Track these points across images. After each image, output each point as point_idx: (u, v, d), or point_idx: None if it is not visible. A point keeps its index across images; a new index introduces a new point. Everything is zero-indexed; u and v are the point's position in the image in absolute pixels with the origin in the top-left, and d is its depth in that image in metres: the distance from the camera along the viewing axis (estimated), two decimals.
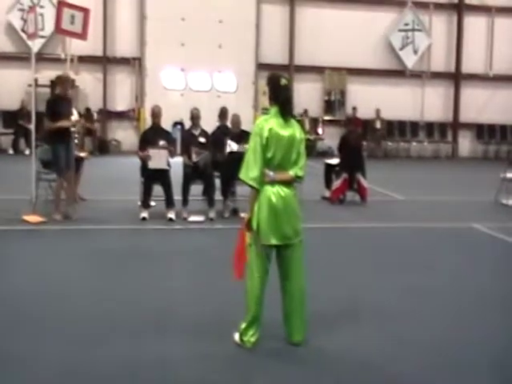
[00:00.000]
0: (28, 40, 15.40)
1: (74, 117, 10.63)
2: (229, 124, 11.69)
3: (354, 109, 24.07)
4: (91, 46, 20.60)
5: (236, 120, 11.55)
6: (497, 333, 5.80)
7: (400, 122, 25.62)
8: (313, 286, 5.71)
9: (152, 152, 10.42)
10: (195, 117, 11.12)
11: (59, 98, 10.36)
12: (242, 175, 5.21)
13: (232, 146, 10.98)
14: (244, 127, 11.50)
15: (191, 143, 10.89)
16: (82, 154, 12.32)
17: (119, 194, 13.02)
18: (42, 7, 21.32)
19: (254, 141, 5.16)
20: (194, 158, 10.71)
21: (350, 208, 12.55)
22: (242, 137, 10.56)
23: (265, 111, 19.89)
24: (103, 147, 22.72)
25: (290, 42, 24.39)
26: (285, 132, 5.16)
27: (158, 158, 10.42)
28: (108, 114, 23.50)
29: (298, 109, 21.45)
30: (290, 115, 5.31)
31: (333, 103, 25.23)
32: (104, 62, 23.18)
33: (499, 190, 13.12)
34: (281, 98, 5.25)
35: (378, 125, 24.90)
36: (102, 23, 22.69)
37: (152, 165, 10.41)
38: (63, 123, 10.16)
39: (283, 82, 5.28)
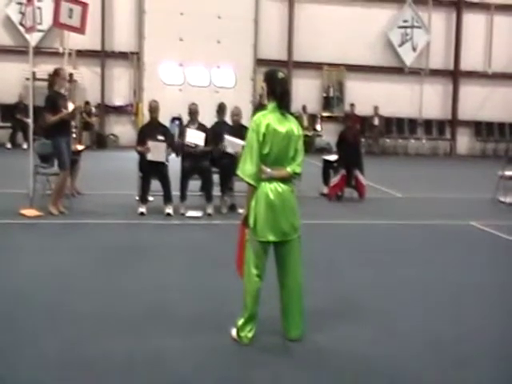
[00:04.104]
0: (26, 33, 15.34)
1: (71, 106, 10.61)
2: (227, 119, 11.66)
3: (352, 105, 24.08)
4: (89, 40, 20.56)
5: (237, 112, 11.48)
6: (495, 329, 5.80)
7: (398, 119, 25.61)
8: (311, 282, 5.71)
9: (151, 144, 10.41)
10: (193, 112, 11.10)
11: (58, 94, 10.34)
12: (239, 171, 5.20)
13: (230, 142, 10.87)
14: (242, 122, 11.45)
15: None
16: (80, 147, 12.31)
17: (117, 188, 13.00)
18: (40, 1, 21.09)
19: (250, 137, 5.14)
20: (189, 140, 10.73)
21: (348, 204, 12.55)
22: (241, 132, 10.51)
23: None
24: (101, 142, 22.71)
25: (288, 37, 24.36)
26: (282, 128, 5.14)
27: (157, 151, 10.41)
28: (106, 109, 23.46)
29: (296, 105, 21.40)
30: (288, 109, 5.28)
31: (331, 99, 25.22)
32: (102, 56, 23.14)
33: (497, 188, 13.11)
34: (278, 92, 5.21)
35: (376, 121, 24.90)
36: (100, 17, 22.64)
37: (151, 157, 10.39)
38: (65, 113, 10.14)
39: (280, 75, 5.27)
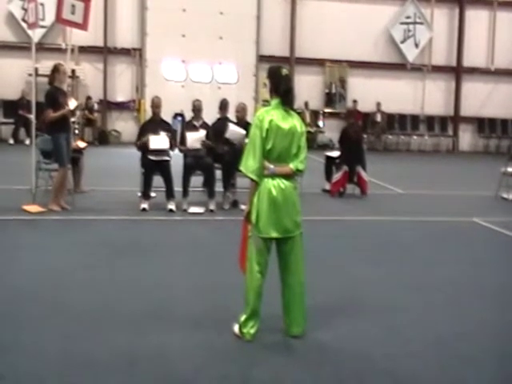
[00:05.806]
0: (28, 29, 15.34)
1: (73, 103, 10.60)
2: (230, 115, 11.66)
3: (355, 102, 24.05)
4: (92, 36, 20.53)
5: (242, 107, 11.50)
6: (497, 328, 5.80)
7: (400, 116, 25.57)
8: (312, 279, 5.71)
9: (152, 136, 10.42)
10: (197, 109, 11.12)
11: (58, 90, 10.33)
12: (242, 167, 5.20)
13: (232, 131, 10.88)
14: (247, 119, 11.46)
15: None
16: (82, 145, 12.29)
17: (119, 184, 13.00)
18: None
19: (254, 133, 5.15)
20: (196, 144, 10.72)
21: (350, 201, 12.55)
22: (246, 128, 10.52)
23: (265, 103, 19.87)
24: (103, 138, 22.69)
25: (290, 34, 24.31)
26: (285, 124, 5.14)
27: (159, 140, 10.41)
28: (108, 105, 23.45)
29: (298, 101, 21.34)
30: (292, 106, 5.29)
31: (333, 96, 25.17)
32: (105, 52, 23.11)
33: (500, 185, 13.10)
34: (282, 89, 5.22)
35: (379, 118, 24.85)
36: (102, 13, 22.60)
37: (153, 145, 10.37)
38: (65, 110, 10.14)
39: (284, 72, 5.27)
